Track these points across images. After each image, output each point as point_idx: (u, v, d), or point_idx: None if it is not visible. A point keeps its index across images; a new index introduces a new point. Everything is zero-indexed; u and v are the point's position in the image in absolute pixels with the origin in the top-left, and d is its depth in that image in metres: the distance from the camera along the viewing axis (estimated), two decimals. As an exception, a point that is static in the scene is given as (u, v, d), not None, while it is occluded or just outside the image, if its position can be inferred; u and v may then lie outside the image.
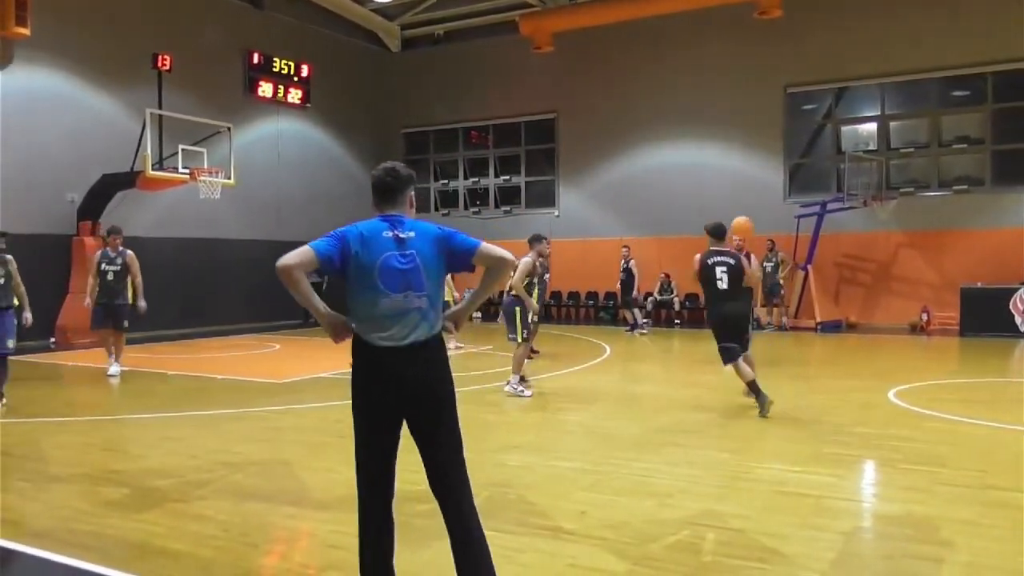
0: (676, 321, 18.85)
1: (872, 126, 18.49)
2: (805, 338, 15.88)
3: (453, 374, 3.39)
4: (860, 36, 17.54)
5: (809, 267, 17.33)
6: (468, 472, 3.36)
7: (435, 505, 3.33)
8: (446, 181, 23.47)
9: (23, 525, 4.58)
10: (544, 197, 21.93)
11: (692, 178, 19.34)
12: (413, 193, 3.48)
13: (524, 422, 7.70)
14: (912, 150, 18.04)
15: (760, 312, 17.48)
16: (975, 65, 16.81)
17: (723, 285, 7.71)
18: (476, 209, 22.94)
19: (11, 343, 8.35)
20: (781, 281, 17.29)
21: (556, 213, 21.40)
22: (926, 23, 16.94)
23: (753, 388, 7.67)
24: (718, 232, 7.87)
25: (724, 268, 7.69)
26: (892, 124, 18.28)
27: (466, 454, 3.42)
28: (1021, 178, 16.61)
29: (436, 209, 23.38)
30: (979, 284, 15.65)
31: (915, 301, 16.82)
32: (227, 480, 5.56)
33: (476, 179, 23.04)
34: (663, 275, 18.94)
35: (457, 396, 3.39)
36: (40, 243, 14.84)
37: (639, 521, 4.58)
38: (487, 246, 3.36)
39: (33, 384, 10.34)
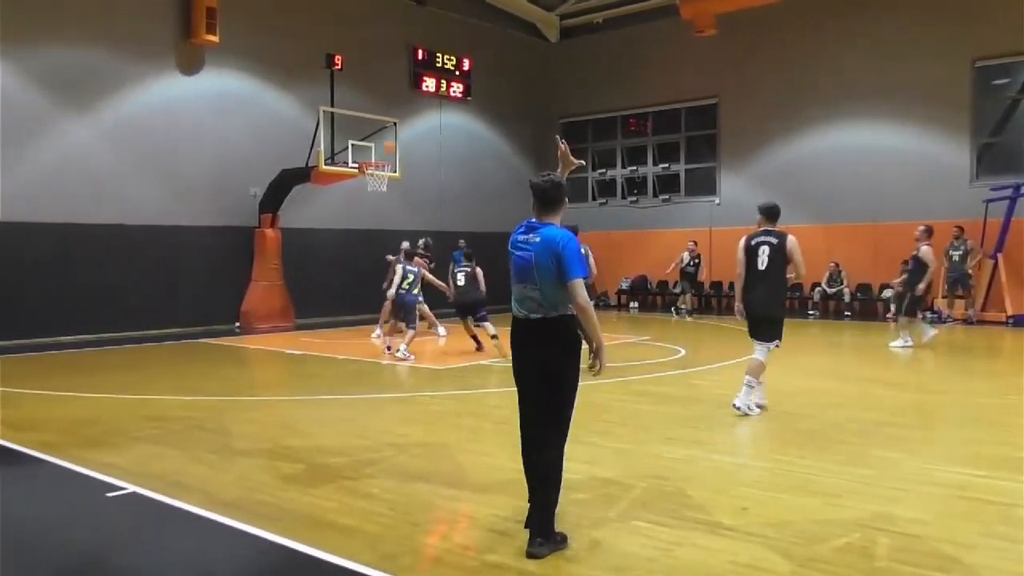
0: (846, 313, 17.88)
1: (1074, 100, 16.70)
2: (994, 332, 14.63)
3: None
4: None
5: (999, 255, 15.92)
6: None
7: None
8: (604, 170, 23.37)
9: (213, 495, 5.01)
10: (704, 185, 21.38)
11: (864, 162, 18.23)
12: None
13: (681, 414, 7.57)
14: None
15: (941, 303, 16.28)
16: None
17: (762, 266, 7.23)
18: (634, 198, 22.71)
19: None
20: (970, 271, 16.02)
21: (717, 201, 20.82)
22: None
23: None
24: (770, 212, 7.46)
25: (767, 247, 7.24)
26: (1099, 97, 16.43)
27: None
28: None
29: (594, 198, 23.34)
30: None
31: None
32: (393, 460, 5.83)
33: (635, 167, 22.80)
34: (832, 265, 18.01)
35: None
36: (227, 235, 16.14)
37: (804, 521, 4.41)
38: (575, 286, 3.92)
39: (220, 365, 11.27)
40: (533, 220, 4.11)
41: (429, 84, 20.31)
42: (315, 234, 17.69)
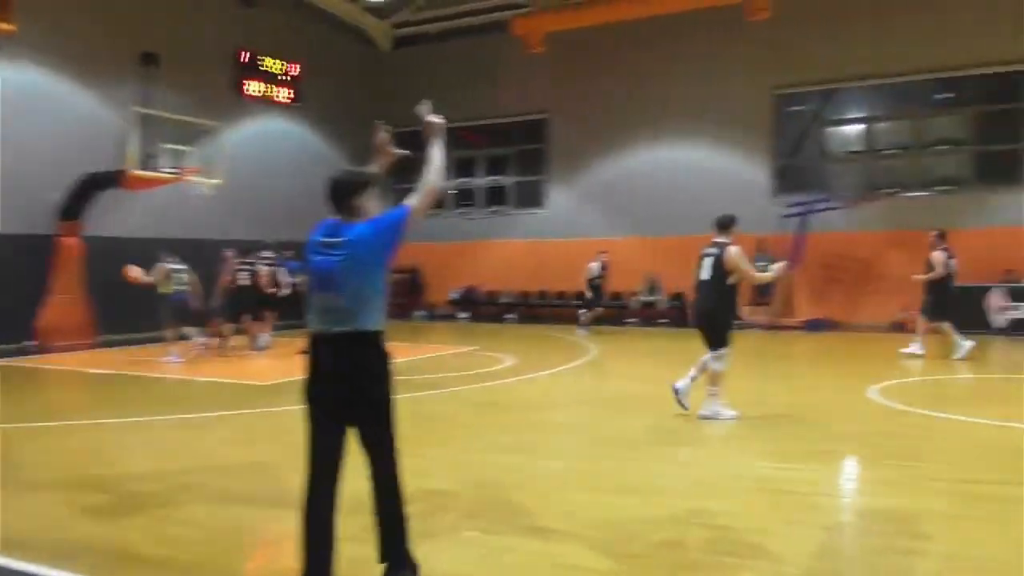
0: (663, 320, 18.91)
1: (858, 127, 18.64)
2: (790, 337, 15.99)
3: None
4: (846, 39, 17.66)
5: (796, 266, 17.43)
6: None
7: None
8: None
9: None
10: (533, 197, 21.96)
11: (682, 178, 19.42)
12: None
13: (508, 422, 7.72)
14: (896, 151, 18.19)
15: (745, 311, 17.59)
16: (958, 68, 16.98)
17: (705, 275, 7.59)
18: (464, 209, 22.95)
19: None
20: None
21: (545, 213, 21.43)
22: (911, 26, 17.06)
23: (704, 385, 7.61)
24: (721, 223, 7.78)
25: (710, 258, 7.59)
26: (877, 126, 18.43)
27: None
28: (1002, 179, 16.79)
29: (424, 209, 23.37)
30: (959, 283, 15.77)
31: (896, 299, 16.94)
32: (211, 484, 5.54)
33: (466, 179, 23.05)
34: (649, 274, 19.02)
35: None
36: (20, 243, 14.72)
37: (625, 519, 4.62)
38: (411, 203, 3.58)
39: (12, 388, 10.26)
40: (336, 220, 3.60)
41: (254, 88, 19.56)
42: (126, 243, 16.50)
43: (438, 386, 9.35)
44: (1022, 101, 16.59)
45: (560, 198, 21.27)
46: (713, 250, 7.60)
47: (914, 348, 12.19)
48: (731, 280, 7.53)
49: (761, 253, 17.33)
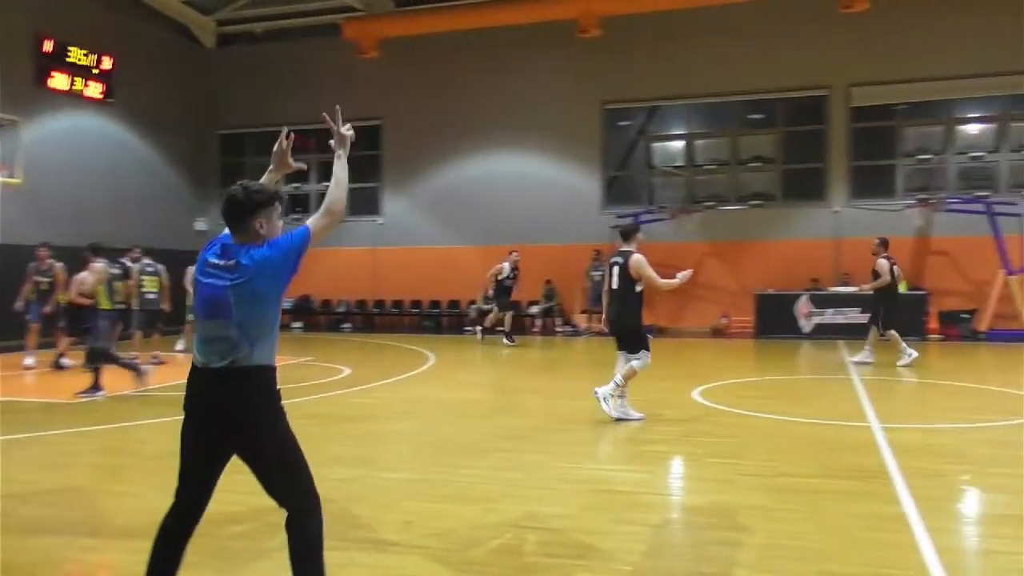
0: (500, 328, 19.12)
1: (680, 143, 19.76)
2: (608, 343, 16.60)
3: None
4: (670, 59, 18.69)
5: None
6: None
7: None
8: (264, 186, 22.65)
9: None
10: (368, 204, 21.66)
11: (517, 188, 19.80)
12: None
13: (347, 434, 7.54)
14: (714, 167, 19.45)
15: (580, 318, 18.19)
16: (770, 92, 18.40)
17: (614, 284, 7.89)
18: (297, 216, 22.27)
19: None
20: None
21: (380, 220, 21.20)
22: (728, 51, 18.30)
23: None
24: (624, 232, 8.10)
25: (616, 267, 7.87)
26: (697, 142, 19.62)
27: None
28: (807, 195, 18.33)
29: (254, 215, 22.53)
30: (771, 290, 17.09)
31: (717, 306, 18.12)
32: (15, 512, 5.03)
33: (298, 185, 22.39)
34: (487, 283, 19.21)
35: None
36: None
37: (464, 528, 4.61)
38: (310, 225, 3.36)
39: None
40: (227, 238, 3.26)
41: (59, 81, 18.01)
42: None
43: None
44: (825, 123, 18.19)
45: (396, 206, 21.13)
46: (619, 259, 7.90)
47: (863, 357, 12.19)
48: (639, 287, 7.81)
49: (595, 262, 17.99)
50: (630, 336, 7.93)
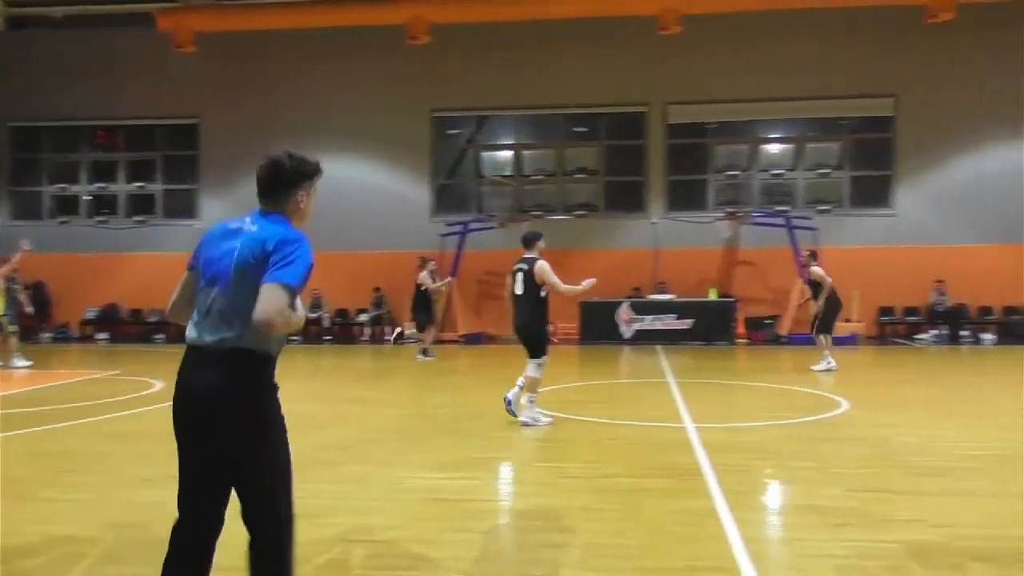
0: (327, 338, 18.69)
1: (508, 153, 20.14)
2: (450, 351, 16.68)
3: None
4: (498, 70, 19.00)
5: (453, 282, 18.27)
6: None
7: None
8: (64, 185, 20.88)
9: None
10: (185, 207, 20.49)
11: (346, 194, 19.36)
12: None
13: (155, 453, 7.04)
14: (542, 177, 19.97)
15: (407, 325, 18.03)
16: (592, 106, 19.14)
17: (519, 290, 8.10)
18: (103, 218, 20.70)
19: None
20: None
21: (199, 224, 20.10)
22: (554, 64, 18.85)
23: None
24: (526, 240, 8.43)
25: (521, 273, 8.13)
26: (525, 152, 20.07)
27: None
28: (628, 206, 19.20)
29: (52, 216, 20.70)
30: (595, 298, 17.72)
31: (544, 314, 18.56)
32: None
33: (104, 184, 20.81)
34: (315, 291, 18.70)
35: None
36: None
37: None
38: (270, 288, 2.72)
39: None
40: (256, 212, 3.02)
41: None
42: None
43: (70, 417, 8.26)
44: (644, 138, 19.12)
45: (216, 209, 20.10)
46: (523, 265, 8.17)
47: (824, 365, 12.33)
48: (543, 292, 7.99)
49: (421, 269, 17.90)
50: (533, 341, 8.14)
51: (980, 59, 17.62)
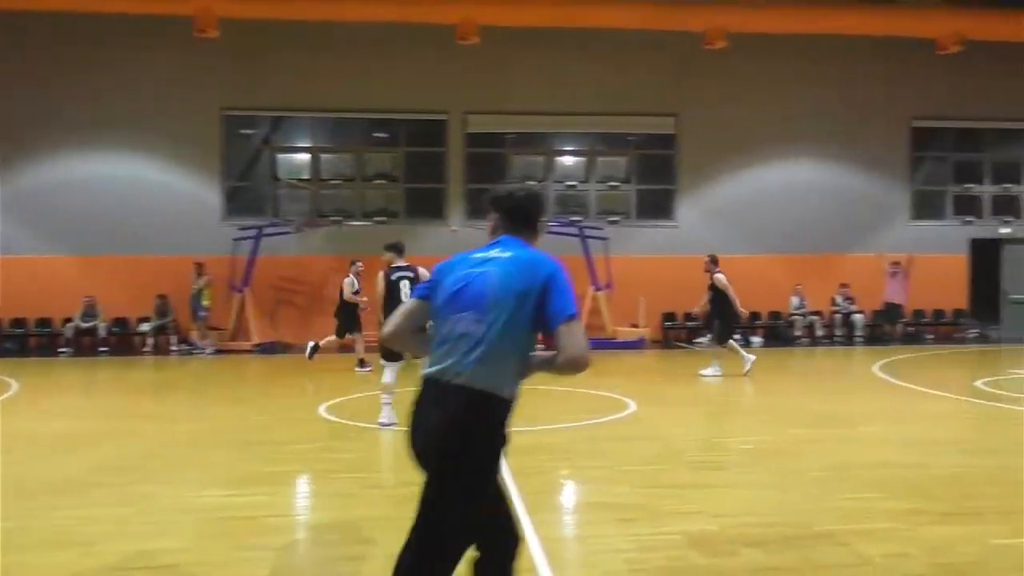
0: (103, 349, 17.16)
1: (306, 156, 19.56)
2: (243, 360, 15.92)
3: None
4: (296, 69, 18.38)
5: (246, 289, 17.45)
6: None
7: None
8: None
9: None
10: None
11: (126, 193, 17.94)
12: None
13: None
14: (340, 182, 19.57)
15: (194, 334, 17.01)
16: (392, 111, 19.03)
17: (406, 298, 7.73)
18: None
19: None
20: (206, 303, 17.04)
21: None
22: (353, 67, 18.53)
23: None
24: (400, 248, 8.64)
25: (407, 281, 8.33)
26: (323, 156, 19.58)
27: None
28: (427, 213, 19.26)
29: None
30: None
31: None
32: None
33: None
34: (90, 299, 17.09)
35: None
36: None
37: (54, 578, 4.00)
38: (572, 332, 2.70)
39: None
40: (500, 238, 2.98)
41: None
42: None
43: None
44: (444, 146, 19.27)
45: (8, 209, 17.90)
46: (409, 273, 8.46)
47: (712, 371, 12.36)
48: None
49: (200, 278, 16.98)
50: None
51: (755, 84, 19.37)
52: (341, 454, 7.03)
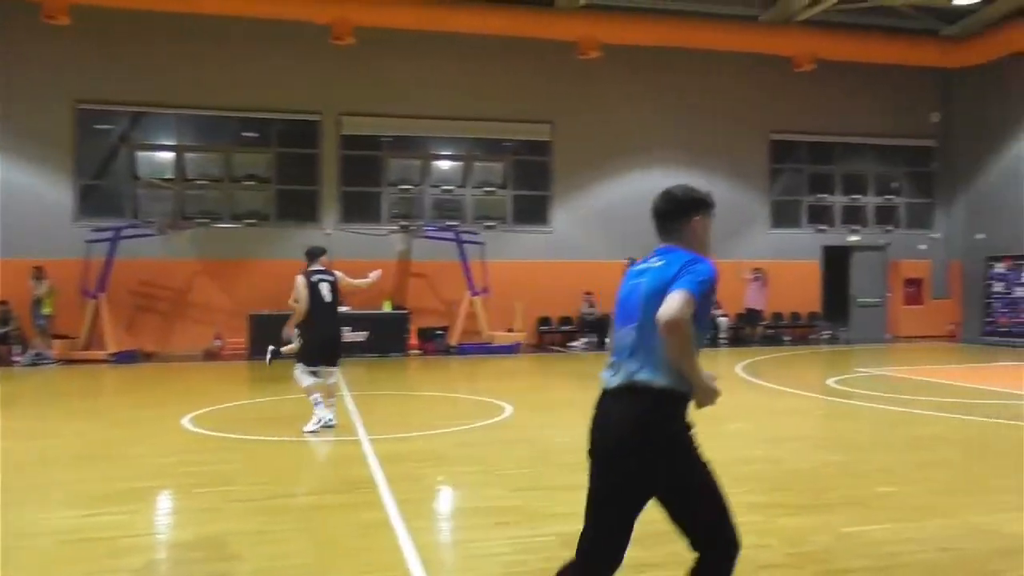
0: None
1: (169, 155, 18.61)
2: (99, 371, 14.96)
3: None
4: (158, 63, 17.49)
5: (101, 295, 16.41)
6: None
7: None
8: None
9: None
10: None
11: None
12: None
13: None
14: (207, 182, 18.74)
15: (37, 343, 15.85)
16: (263, 111, 18.41)
17: (328, 299, 8.32)
18: None
19: None
20: (46, 312, 15.95)
21: None
22: (219, 63, 17.82)
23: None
24: (319, 252, 8.62)
25: (327, 284, 8.34)
26: (188, 155, 18.70)
27: None
28: (301, 216, 18.74)
29: None
30: (265, 310, 17.02)
31: (210, 328, 17.42)
32: None
33: None
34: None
35: None
36: None
37: None
38: (672, 296, 2.77)
39: None
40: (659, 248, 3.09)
41: None
42: None
43: None
44: (318, 147, 18.81)
45: None
46: (329, 276, 8.45)
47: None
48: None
49: (39, 282, 15.90)
50: (339, 349, 8.58)
51: (627, 94, 19.92)
52: (205, 467, 6.70)
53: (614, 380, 2.94)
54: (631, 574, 4.17)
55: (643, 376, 2.84)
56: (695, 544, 2.94)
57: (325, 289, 8.39)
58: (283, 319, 9.34)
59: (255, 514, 5.25)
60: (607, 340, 3.36)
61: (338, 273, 8.68)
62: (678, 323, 2.70)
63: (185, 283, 17.74)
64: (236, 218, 18.44)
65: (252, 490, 5.91)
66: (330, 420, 8.30)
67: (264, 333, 16.75)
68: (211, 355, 16.98)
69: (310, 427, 8.14)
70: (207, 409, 9.80)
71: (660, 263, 2.96)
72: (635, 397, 2.85)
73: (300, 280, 8.41)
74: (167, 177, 18.42)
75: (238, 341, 17.08)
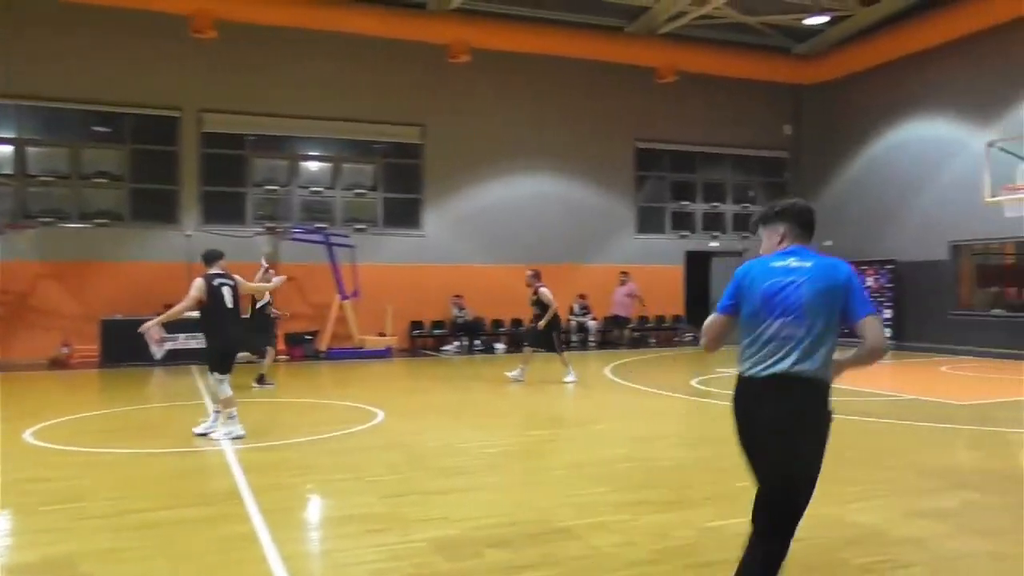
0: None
1: (8, 148, 17.25)
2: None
3: None
4: (-5, 49, 16.24)
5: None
6: None
7: None
8: None
9: None
10: None
11: None
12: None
13: None
14: (53, 179, 17.48)
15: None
16: (116, 105, 17.38)
17: (230, 304, 8.18)
18: None
19: None
20: None
21: None
22: (70, 52, 16.68)
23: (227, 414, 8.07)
24: (218, 255, 8.43)
25: (229, 288, 8.20)
26: (30, 150, 17.40)
27: None
28: (158, 216, 17.81)
29: None
30: (118, 315, 16.08)
31: (56, 334, 16.27)
32: None
33: None
34: None
35: None
36: None
37: None
38: (875, 325, 3.29)
39: None
40: (791, 247, 3.42)
41: None
42: None
43: None
44: (177, 145, 17.93)
45: None
46: (229, 280, 8.29)
47: (570, 377, 12.76)
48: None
49: None
50: (235, 355, 8.36)
51: (497, 99, 20.07)
52: (51, 483, 6.25)
53: (776, 367, 3.20)
54: (503, 574, 4.20)
55: (809, 367, 3.18)
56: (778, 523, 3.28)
57: (227, 293, 8.22)
58: (141, 324, 8.94)
59: (107, 532, 4.94)
60: (702, 337, 3.73)
61: (237, 277, 8.51)
62: (885, 350, 3.34)
63: (28, 286, 16.51)
64: (85, 217, 17.34)
65: (104, 506, 5.55)
66: (240, 433, 8.04)
67: (117, 340, 15.84)
68: (58, 363, 15.85)
69: (220, 434, 8.01)
70: (53, 421, 9.15)
71: (808, 263, 3.30)
72: (805, 385, 3.19)
73: (199, 283, 8.14)
74: (6, 173, 17.08)
75: (89, 348, 16.06)
